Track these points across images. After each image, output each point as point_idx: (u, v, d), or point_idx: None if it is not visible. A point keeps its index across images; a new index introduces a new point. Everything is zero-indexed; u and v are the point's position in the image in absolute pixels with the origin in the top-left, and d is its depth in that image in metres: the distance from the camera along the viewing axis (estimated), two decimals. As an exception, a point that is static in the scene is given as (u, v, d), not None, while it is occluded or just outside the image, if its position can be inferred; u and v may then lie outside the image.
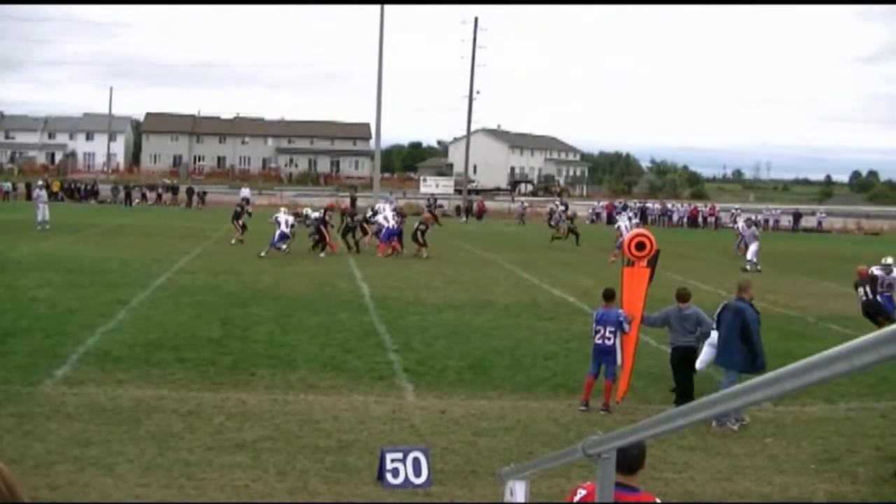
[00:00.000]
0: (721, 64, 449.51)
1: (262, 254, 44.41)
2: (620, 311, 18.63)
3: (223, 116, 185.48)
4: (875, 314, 26.47)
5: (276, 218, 47.64)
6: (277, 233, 46.62)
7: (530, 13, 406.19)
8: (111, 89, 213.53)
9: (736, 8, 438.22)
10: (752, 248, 51.38)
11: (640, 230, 20.53)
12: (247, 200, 57.99)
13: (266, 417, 16.69)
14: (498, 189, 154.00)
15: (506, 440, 16.15)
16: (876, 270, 27.87)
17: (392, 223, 50.33)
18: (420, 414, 17.56)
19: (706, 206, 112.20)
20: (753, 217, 74.68)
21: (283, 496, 12.99)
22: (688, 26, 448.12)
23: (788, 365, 3.03)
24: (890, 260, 28.56)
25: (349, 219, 52.87)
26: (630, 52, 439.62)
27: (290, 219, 48.11)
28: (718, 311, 18.84)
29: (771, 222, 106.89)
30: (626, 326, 18.51)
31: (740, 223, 66.15)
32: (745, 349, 17.72)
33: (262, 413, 16.95)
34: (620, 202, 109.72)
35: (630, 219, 65.16)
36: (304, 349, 22.72)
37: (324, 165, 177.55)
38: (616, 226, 57.77)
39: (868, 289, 27.05)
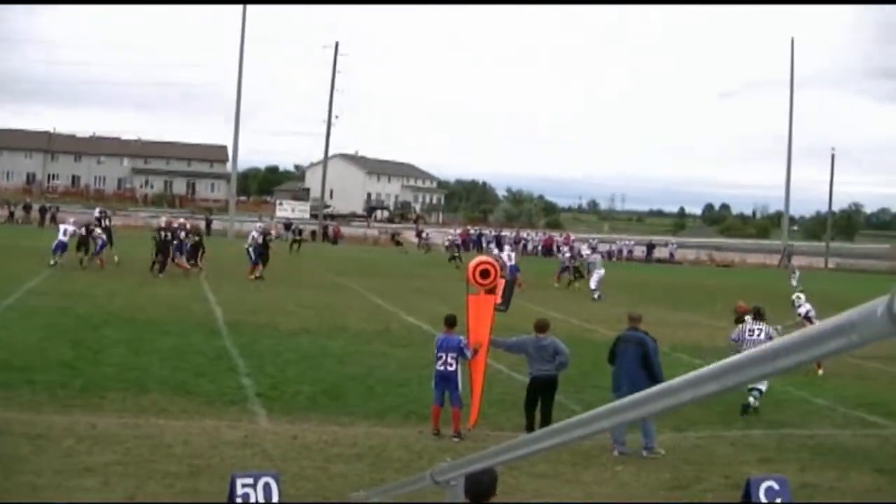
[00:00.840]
0: (578, 95, 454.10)
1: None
2: (462, 337, 18.72)
3: (79, 135, 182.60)
4: None
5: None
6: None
7: (391, 39, 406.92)
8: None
9: (594, 39, 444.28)
10: (595, 276, 51.84)
11: (485, 258, 20.65)
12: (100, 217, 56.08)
13: (116, 441, 16.49)
14: (354, 214, 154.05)
15: (358, 466, 16.17)
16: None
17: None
18: (272, 439, 17.51)
19: (561, 235, 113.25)
20: (592, 242, 76.43)
21: (132, 521, 12.89)
22: (545, 56, 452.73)
23: (632, 395, 3.15)
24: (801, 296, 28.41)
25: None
26: (488, 81, 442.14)
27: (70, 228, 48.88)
28: (612, 344, 19.09)
29: (625, 252, 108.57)
30: (467, 353, 18.59)
31: (584, 250, 69.16)
32: (648, 379, 17.85)
33: (113, 437, 16.75)
34: (475, 230, 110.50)
35: (511, 248, 66.19)
36: (156, 372, 22.51)
37: (180, 187, 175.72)
38: (497, 254, 56.93)
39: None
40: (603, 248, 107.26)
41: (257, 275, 49.05)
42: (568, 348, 19.28)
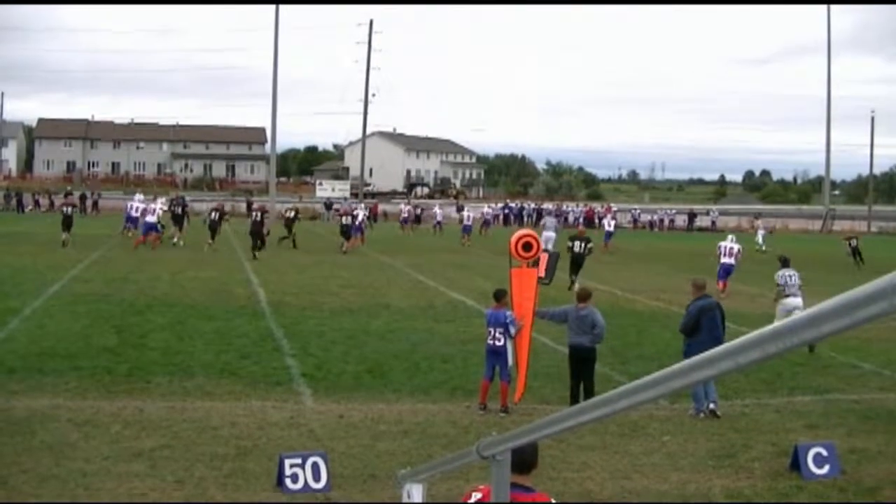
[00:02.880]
0: (616, 65, 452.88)
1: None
2: (508, 312, 18.67)
3: (117, 122, 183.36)
4: None
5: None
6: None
7: (426, 15, 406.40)
8: (1, 94, 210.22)
9: (631, 8, 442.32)
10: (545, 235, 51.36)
11: (527, 231, 20.59)
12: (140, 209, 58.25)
13: (163, 425, 16.55)
14: (394, 192, 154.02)
15: (404, 443, 16.18)
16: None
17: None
18: (318, 419, 17.53)
19: (602, 207, 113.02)
20: (551, 207, 77.54)
21: (181, 504, 12.94)
22: (582, 27, 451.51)
23: (674, 365, 3.12)
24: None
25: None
26: (526, 55, 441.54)
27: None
28: (694, 316, 19.01)
29: (666, 222, 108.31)
30: (511, 328, 18.57)
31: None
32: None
33: (160, 421, 16.81)
34: (516, 203, 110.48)
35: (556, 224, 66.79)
36: (200, 356, 22.58)
37: (219, 170, 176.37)
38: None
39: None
40: (645, 217, 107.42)
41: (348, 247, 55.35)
42: (605, 320, 19.17)
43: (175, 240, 54.25)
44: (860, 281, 2.29)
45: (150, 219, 52.52)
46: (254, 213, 52.66)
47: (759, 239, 71.94)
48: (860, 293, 2.21)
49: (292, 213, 59.10)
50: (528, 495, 6.99)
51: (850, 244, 57.95)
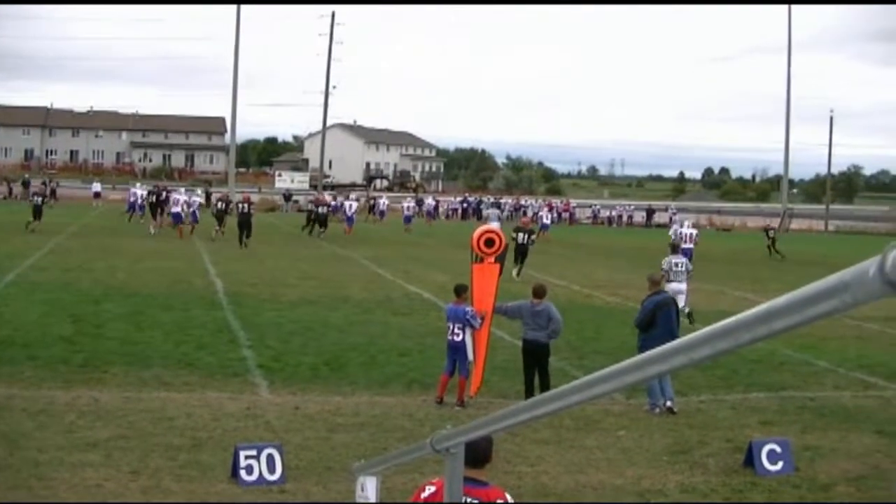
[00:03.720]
0: (576, 61, 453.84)
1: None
2: (468, 307, 18.73)
3: (77, 110, 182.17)
4: None
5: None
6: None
7: (389, 9, 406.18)
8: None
9: (593, 7, 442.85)
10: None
11: (490, 227, 20.64)
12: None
13: (119, 415, 16.51)
14: (353, 184, 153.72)
15: (360, 436, 16.19)
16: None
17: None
18: (274, 410, 17.53)
19: (560, 202, 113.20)
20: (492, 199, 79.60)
21: (135, 495, 12.89)
22: (543, 24, 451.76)
23: (627, 360, 3.15)
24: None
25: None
26: (485, 49, 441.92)
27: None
28: (649, 312, 19.12)
29: (625, 218, 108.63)
30: (473, 322, 18.61)
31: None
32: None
33: (115, 411, 16.76)
34: (474, 198, 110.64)
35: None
36: (157, 346, 22.53)
37: (178, 160, 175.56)
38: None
39: None
40: (604, 213, 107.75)
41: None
42: (561, 316, 19.26)
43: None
44: (780, 275, 2.32)
45: (181, 210, 57.30)
46: (240, 205, 53.77)
47: (672, 233, 73.11)
48: (812, 290, 2.23)
49: (222, 205, 59.41)
50: (481, 489, 7.01)
51: (767, 234, 58.16)
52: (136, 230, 56.10)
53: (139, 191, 64.10)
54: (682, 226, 50.53)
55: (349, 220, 66.66)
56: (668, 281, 27.98)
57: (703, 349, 2.63)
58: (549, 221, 76.36)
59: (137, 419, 16.36)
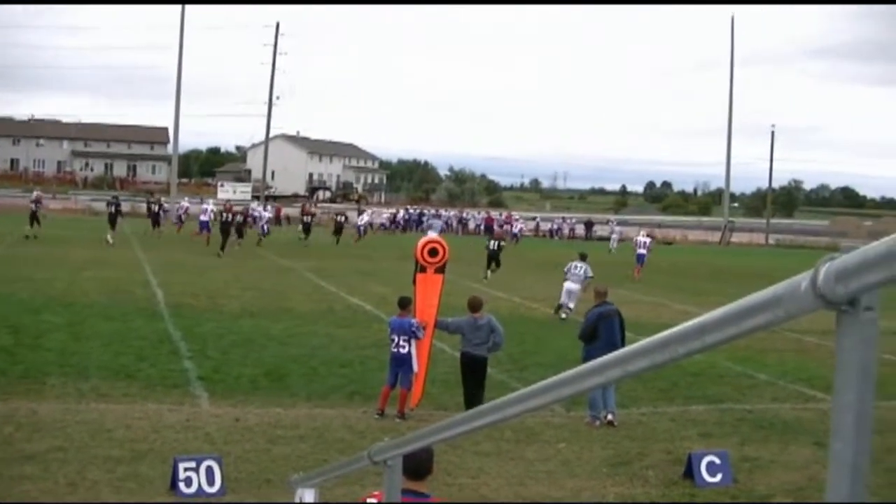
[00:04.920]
0: (520, 74, 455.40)
1: None
2: (413, 319, 18.76)
3: (17, 118, 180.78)
4: None
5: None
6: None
7: (332, 20, 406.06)
8: None
9: (537, 17, 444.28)
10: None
11: (433, 237, 20.66)
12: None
13: (57, 427, 16.37)
14: (296, 195, 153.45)
15: (300, 448, 16.15)
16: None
17: None
18: (214, 422, 17.45)
19: (501, 214, 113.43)
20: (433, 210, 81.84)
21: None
22: (487, 35, 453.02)
23: (564, 372, 3.15)
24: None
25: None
26: (430, 61, 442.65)
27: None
28: (592, 322, 19.21)
29: (566, 230, 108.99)
30: (419, 334, 18.64)
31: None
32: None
33: (53, 423, 16.62)
34: (415, 209, 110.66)
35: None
36: (97, 357, 22.36)
37: (120, 169, 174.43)
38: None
39: None
40: (545, 226, 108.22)
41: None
42: (503, 328, 19.31)
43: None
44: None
45: (203, 217, 63.05)
46: (223, 214, 57.02)
47: (613, 244, 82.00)
48: (745, 304, 2.25)
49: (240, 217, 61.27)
50: (422, 500, 7.02)
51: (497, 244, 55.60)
52: (205, 250, 55.19)
53: (210, 206, 65.61)
54: (638, 234, 59.67)
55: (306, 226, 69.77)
56: (566, 280, 34.48)
57: (639, 362, 2.64)
58: (518, 232, 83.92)
59: (76, 431, 16.22)
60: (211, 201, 70.32)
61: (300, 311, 31.95)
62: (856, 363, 2.05)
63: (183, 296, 33.93)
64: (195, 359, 22.86)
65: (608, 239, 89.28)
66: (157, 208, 69.71)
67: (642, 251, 55.52)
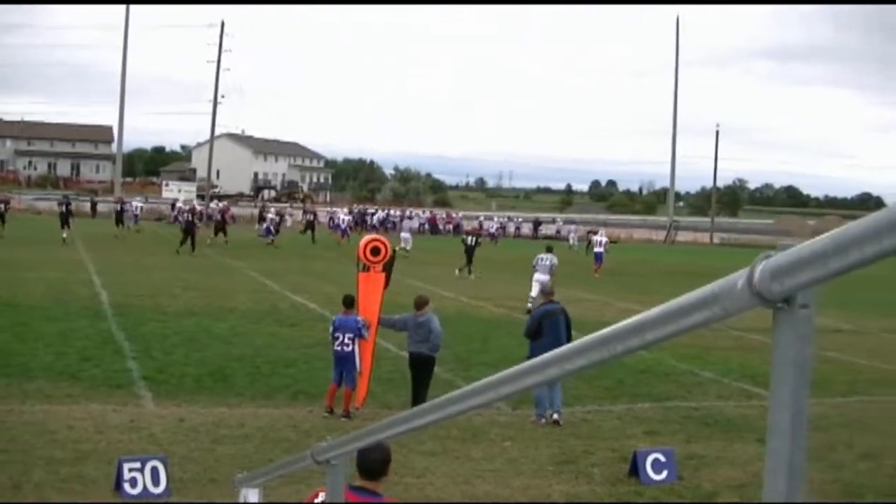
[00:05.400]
0: (465, 73, 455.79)
1: None
2: (359, 318, 18.75)
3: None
4: None
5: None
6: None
7: (277, 18, 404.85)
8: None
9: (482, 21, 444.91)
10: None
11: (375, 235, 20.68)
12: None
13: (1, 429, 16.26)
14: (241, 195, 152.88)
15: (245, 447, 16.11)
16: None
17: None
18: (159, 422, 17.37)
19: (445, 214, 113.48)
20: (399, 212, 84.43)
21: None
22: (433, 34, 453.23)
23: (505, 370, 3.16)
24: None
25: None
26: (375, 59, 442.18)
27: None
28: (536, 321, 19.29)
29: (512, 229, 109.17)
30: (364, 333, 18.65)
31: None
32: None
33: (-4, 424, 16.52)
34: (358, 208, 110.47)
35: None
36: (40, 358, 22.18)
37: (64, 169, 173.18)
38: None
39: None
40: (489, 225, 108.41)
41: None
42: (451, 327, 19.37)
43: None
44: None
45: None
46: (185, 214, 61.22)
47: (572, 241, 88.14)
48: (683, 302, 2.27)
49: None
50: (374, 499, 7.04)
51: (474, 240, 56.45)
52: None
53: (343, 215, 78.78)
54: (597, 234, 65.71)
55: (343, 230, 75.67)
56: (535, 271, 37.08)
57: (578, 360, 2.66)
58: (494, 231, 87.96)
59: (19, 433, 16.10)
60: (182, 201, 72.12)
61: (244, 311, 31.87)
62: (791, 360, 2.07)
63: (127, 296, 33.72)
64: (139, 359, 22.74)
65: (553, 237, 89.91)
66: (119, 207, 71.08)
67: (599, 250, 59.19)
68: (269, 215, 75.04)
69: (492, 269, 53.67)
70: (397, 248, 24.55)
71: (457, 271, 50.98)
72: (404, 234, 71.08)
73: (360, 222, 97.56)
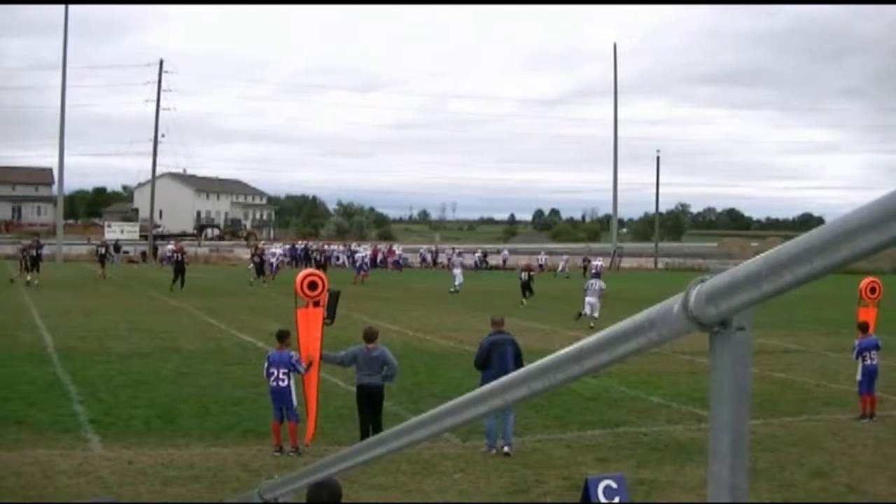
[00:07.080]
0: (405, 104, 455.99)
1: None
2: (293, 353, 18.73)
3: None
4: None
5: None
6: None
7: (215, 57, 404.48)
8: None
9: (422, 46, 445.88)
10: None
11: (312, 270, 20.66)
12: None
13: (-55, 477, 16.11)
14: (184, 233, 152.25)
15: (195, 488, 16.01)
16: None
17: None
18: (107, 465, 17.23)
19: (386, 247, 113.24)
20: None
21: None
22: (373, 66, 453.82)
23: (447, 403, 3.16)
24: None
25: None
26: (314, 96, 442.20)
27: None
28: (485, 350, 19.29)
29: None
30: (299, 368, 18.61)
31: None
32: None
33: (-59, 472, 16.35)
34: (301, 244, 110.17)
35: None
36: (-16, 404, 22.00)
37: (4, 212, 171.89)
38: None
39: None
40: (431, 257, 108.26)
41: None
42: (397, 360, 19.34)
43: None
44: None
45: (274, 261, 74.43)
46: (175, 255, 62.77)
47: (561, 267, 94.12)
48: (620, 329, 2.27)
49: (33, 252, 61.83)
50: None
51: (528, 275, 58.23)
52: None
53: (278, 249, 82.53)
54: (594, 259, 76.61)
55: (360, 268, 75.41)
56: (586, 294, 44.34)
57: (518, 390, 2.66)
58: (360, 263, 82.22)
59: (-35, 480, 15.95)
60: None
61: (190, 350, 31.70)
62: (730, 383, 2.08)
63: (71, 339, 33.49)
64: (86, 402, 22.57)
65: (499, 268, 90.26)
66: (102, 251, 73.24)
67: (596, 266, 66.57)
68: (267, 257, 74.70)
69: (440, 300, 53.61)
70: (450, 290, 28.89)
71: (521, 303, 54.33)
72: (456, 271, 69.46)
73: (304, 258, 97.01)
